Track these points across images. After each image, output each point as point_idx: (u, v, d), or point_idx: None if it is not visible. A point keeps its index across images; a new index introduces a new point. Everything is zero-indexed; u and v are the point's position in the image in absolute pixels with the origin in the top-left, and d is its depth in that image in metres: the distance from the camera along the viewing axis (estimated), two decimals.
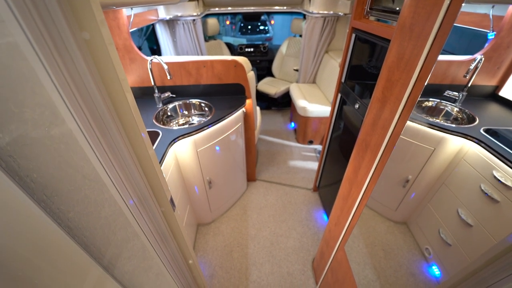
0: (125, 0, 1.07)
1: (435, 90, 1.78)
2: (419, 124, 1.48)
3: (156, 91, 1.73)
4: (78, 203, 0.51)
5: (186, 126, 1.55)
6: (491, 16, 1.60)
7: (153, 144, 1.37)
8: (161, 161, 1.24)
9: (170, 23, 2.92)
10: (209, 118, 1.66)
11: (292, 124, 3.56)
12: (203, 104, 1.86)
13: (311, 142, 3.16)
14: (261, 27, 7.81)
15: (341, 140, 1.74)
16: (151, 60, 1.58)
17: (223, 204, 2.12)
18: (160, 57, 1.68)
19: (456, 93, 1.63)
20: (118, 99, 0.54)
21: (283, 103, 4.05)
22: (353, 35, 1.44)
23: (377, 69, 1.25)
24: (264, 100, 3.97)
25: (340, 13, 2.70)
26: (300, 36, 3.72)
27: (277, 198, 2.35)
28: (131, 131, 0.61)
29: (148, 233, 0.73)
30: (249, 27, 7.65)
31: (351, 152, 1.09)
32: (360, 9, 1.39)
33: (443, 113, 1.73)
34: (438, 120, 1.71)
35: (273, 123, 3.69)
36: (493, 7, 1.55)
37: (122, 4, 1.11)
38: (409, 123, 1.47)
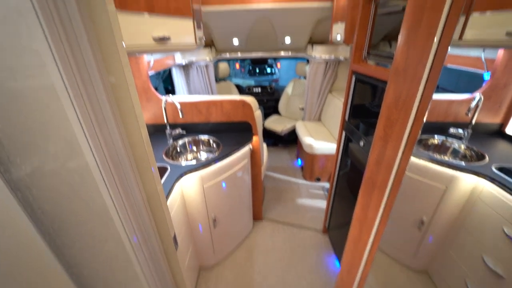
0: (147, 48, 1.21)
1: (439, 128, 1.80)
2: (427, 161, 1.47)
3: (168, 128, 1.82)
4: (83, 236, 0.52)
5: (194, 162, 1.59)
6: (483, 59, 1.70)
7: (161, 179, 1.39)
8: (167, 196, 1.25)
9: (185, 67, 3.20)
10: (216, 154, 1.70)
11: (299, 161, 3.56)
12: (211, 141, 1.92)
13: (318, 179, 3.11)
14: (268, 70, 8.42)
15: (348, 178, 1.71)
16: (166, 99, 1.71)
17: (227, 245, 2.02)
18: (174, 96, 1.82)
19: (461, 131, 1.65)
20: (134, 134, 0.58)
21: (290, 140, 4.12)
22: (353, 77, 1.54)
23: (377, 108, 1.30)
24: (271, 137, 4.06)
25: (341, 58, 2.92)
26: (305, 78, 3.97)
27: (285, 240, 2.22)
28: (142, 166, 0.63)
29: (148, 275, 0.70)
30: (257, 69, 8.26)
31: (359, 188, 1.07)
32: (358, 54, 1.51)
33: (450, 150, 1.72)
34: (446, 158, 1.69)
35: (280, 160, 3.70)
36: (483, 50, 1.66)
37: (145, 51, 1.26)
38: (416, 160, 1.46)
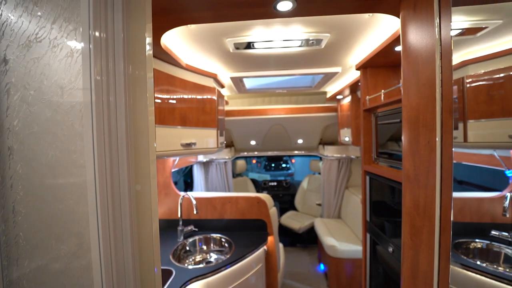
0: (175, 153, 1.38)
1: (477, 229, 1.59)
2: (480, 275, 1.21)
3: (181, 224, 1.78)
4: None
5: (202, 265, 1.44)
6: (497, 157, 1.70)
7: (163, 285, 1.23)
8: None
9: (205, 164, 3.48)
10: (227, 256, 1.56)
11: (322, 265, 3.09)
12: (223, 240, 1.80)
13: None
14: (283, 165, 8.83)
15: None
16: (183, 196, 1.77)
17: None
18: (191, 193, 1.88)
19: (506, 233, 1.43)
20: (146, 243, 0.58)
21: (309, 239, 3.73)
22: (367, 177, 1.56)
23: (398, 205, 1.23)
24: (288, 235, 3.74)
25: (352, 156, 3.07)
26: (319, 173, 4.06)
27: None
28: (146, 267, 0.59)
29: None
30: (273, 165, 8.70)
31: None
32: (368, 156, 1.59)
33: (502, 258, 1.44)
34: (502, 270, 1.39)
35: (299, 264, 3.24)
36: (495, 150, 1.69)
37: (173, 155, 1.43)
38: (469, 274, 1.22)
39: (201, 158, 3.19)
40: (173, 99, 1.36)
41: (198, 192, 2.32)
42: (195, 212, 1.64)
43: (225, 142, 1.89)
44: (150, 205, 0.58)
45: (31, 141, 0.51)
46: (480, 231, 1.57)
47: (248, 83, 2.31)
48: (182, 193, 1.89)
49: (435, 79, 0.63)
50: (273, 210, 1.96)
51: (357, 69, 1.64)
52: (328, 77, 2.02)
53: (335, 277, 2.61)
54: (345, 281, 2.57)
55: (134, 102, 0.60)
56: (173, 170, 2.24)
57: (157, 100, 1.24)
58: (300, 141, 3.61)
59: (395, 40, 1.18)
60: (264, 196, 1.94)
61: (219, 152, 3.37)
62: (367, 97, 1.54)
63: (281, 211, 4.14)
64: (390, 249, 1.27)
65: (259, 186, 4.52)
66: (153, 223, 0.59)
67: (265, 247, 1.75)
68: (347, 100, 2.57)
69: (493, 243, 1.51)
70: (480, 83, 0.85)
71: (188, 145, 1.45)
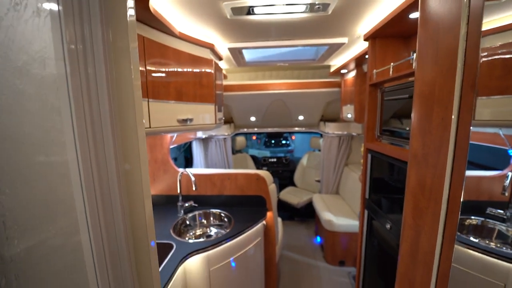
0: (171, 129, 1.33)
1: (474, 207, 1.60)
2: (473, 250, 1.24)
3: (180, 199, 1.80)
4: None
5: (202, 239, 1.47)
6: (502, 136, 1.65)
7: (164, 259, 1.27)
8: (167, 282, 1.10)
9: (205, 140, 3.44)
10: (227, 231, 1.59)
11: (318, 238, 3.21)
12: (223, 215, 1.83)
13: (342, 263, 2.70)
14: (283, 141, 8.82)
15: (379, 263, 1.46)
16: (182, 172, 1.75)
17: None
18: (190, 169, 1.87)
19: (502, 211, 1.44)
20: (139, 225, 0.56)
21: (307, 213, 3.85)
22: (369, 155, 1.53)
23: (399, 183, 1.21)
24: (287, 210, 3.84)
25: (353, 133, 3.02)
26: (319, 150, 4.05)
27: None
28: (140, 243, 0.58)
29: None
30: (273, 141, 8.69)
31: (393, 280, 0.89)
32: (371, 133, 1.54)
33: (495, 234, 1.47)
34: (493, 244, 1.43)
35: (296, 237, 3.37)
36: (500, 129, 1.64)
37: (169, 131, 1.38)
38: (461, 249, 1.24)
39: (200, 134, 3.14)
40: (166, 71, 1.27)
41: (197, 169, 2.31)
42: (194, 188, 1.64)
43: (223, 118, 1.82)
44: (141, 184, 0.54)
45: (3, 117, 0.46)
46: (477, 209, 1.58)
47: (248, 55, 2.17)
48: (181, 170, 1.88)
49: (457, 49, 0.56)
50: (272, 187, 1.96)
51: (366, 39, 1.52)
52: (333, 49, 1.89)
53: (330, 249, 2.73)
54: (340, 253, 2.68)
55: (118, 75, 0.54)
56: (172, 147, 2.21)
57: (150, 73, 1.15)
58: (301, 117, 3.53)
59: (410, 6, 1.06)
60: (263, 172, 1.93)
61: (218, 128, 3.31)
62: (375, 70, 1.45)
63: (281, 187, 4.20)
64: (388, 226, 1.28)
65: (259, 162, 4.54)
66: (146, 200, 0.56)
67: (264, 221, 1.79)
68: (351, 75, 2.45)
69: (488, 220, 1.53)
70: (496, 56, 0.78)
71: (185, 121, 1.39)
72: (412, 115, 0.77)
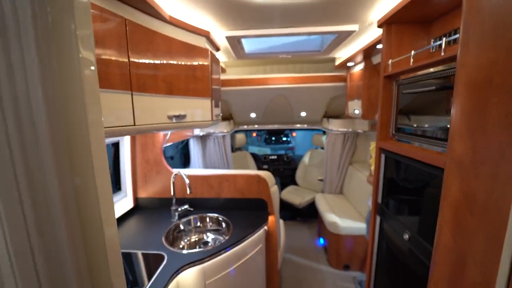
0: (161, 127, 1.18)
1: None
2: None
3: (174, 203, 1.65)
4: None
5: (198, 250, 1.33)
6: None
7: (154, 272, 1.13)
8: None
9: (203, 138, 3.28)
10: (226, 238, 1.45)
11: (321, 240, 3.08)
12: (220, 219, 1.69)
13: (347, 267, 2.57)
14: (284, 138, 8.67)
15: (393, 275, 1.33)
16: (175, 174, 1.60)
17: None
18: (184, 170, 1.72)
19: None
20: (95, 242, 0.41)
21: (309, 213, 3.71)
22: (382, 155, 1.37)
23: (420, 191, 1.07)
24: (288, 210, 3.70)
25: (359, 131, 2.86)
26: (322, 148, 3.89)
27: None
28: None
29: None
30: (273, 138, 8.53)
31: None
32: (384, 131, 1.39)
33: None
34: None
35: (298, 238, 3.24)
36: None
37: (158, 129, 1.23)
38: None
39: (197, 132, 2.98)
40: (154, 60, 1.11)
41: (193, 170, 2.16)
42: (188, 192, 1.50)
43: (221, 115, 1.67)
44: (99, 206, 0.39)
45: None
46: None
47: (248, 46, 2.01)
48: (175, 171, 1.73)
49: None
50: (274, 189, 1.82)
51: (379, 25, 1.35)
52: (342, 38, 1.72)
53: (334, 252, 2.60)
54: (345, 257, 2.55)
55: (60, 65, 0.38)
56: (167, 145, 2.06)
57: (134, 62, 0.99)
58: (303, 113, 3.37)
59: None
60: (265, 173, 1.78)
61: (215, 125, 3.15)
62: (390, 60, 1.29)
63: (282, 186, 4.06)
64: (406, 236, 1.13)
65: (259, 160, 4.39)
66: (107, 229, 0.41)
67: (265, 227, 1.64)
68: (359, 68, 2.28)
69: None
70: None
71: (177, 117, 1.24)
72: (453, 110, 0.61)
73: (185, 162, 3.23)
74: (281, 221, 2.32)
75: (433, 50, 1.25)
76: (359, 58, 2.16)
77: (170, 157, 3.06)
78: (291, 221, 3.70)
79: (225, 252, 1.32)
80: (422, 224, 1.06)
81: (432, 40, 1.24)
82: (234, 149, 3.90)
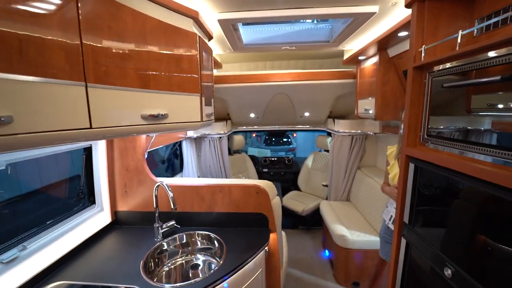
0: (128, 130, 0.91)
1: None
2: None
3: (158, 220, 1.39)
4: None
5: (184, 284, 1.07)
6: None
7: None
8: None
9: (197, 140, 3.02)
10: (219, 261, 1.19)
11: (327, 252, 2.82)
12: (212, 236, 1.43)
13: (356, 285, 2.31)
14: (285, 139, 8.41)
15: None
16: (157, 185, 1.34)
17: None
18: (170, 180, 1.46)
19: None
20: None
21: (313, 221, 3.44)
22: (411, 165, 1.11)
23: (469, 213, 0.80)
24: (290, 217, 3.43)
25: (369, 132, 2.59)
26: (326, 151, 3.63)
27: None
28: None
29: None
30: (274, 139, 8.28)
31: None
32: (412, 135, 1.13)
33: None
34: None
35: (301, 249, 2.98)
36: None
37: (128, 133, 0.97)
38: None
39: (191, 133, 2.72)
40: (121, 42, 0.84)
41: (181, 179, 1.89)
42: (172, 207, 1.24)
43: (213, 114, 1.41)
44: None
45: None
46: None
47: (246, 36, 1.75)
48: (159, 180, 1.48)
49: None
50: (276, 201, 1.56)
51: (408, 4, 1.09)
52: (356, 24, 1.46)
53: (342, 268, 2.34)
54: (354, 273, 2.29)
55: None
56: (152, 150, 1.80)
57: (88, 42, 0.73)
58: (306, 113, 3.11)
59: None
60: (265, 183, 1.52)
61: (208, 126, 2.86)
62: (424, 46, 1.02)
63: (283, 191, 3.77)
64: (448, 272, 0.87)
65: (259, 163, 4.13)
66: None
67: (266, 248, 1.38)
68: (371, 62, 2.02)
69: None
70: None
71: (155, 117, 0.98)
72: None
73: (180, 166, 2.96)
74: (283, 235, 2.06)
75: (477, 34, 1.00)
76: (373, 50, 1.90)
77: (162, 161, 2.79)
78: (292, 230, 3.44)
79: (216, 285, 1.06)
80: (475, 259, 0.80)
81: (477, 21, 0.99)
82: (231, 152, 3.63)
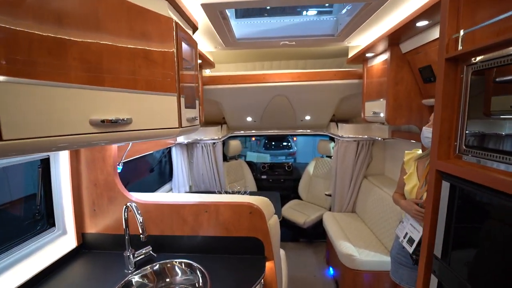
0: (79, 140, 0.68)
1: None
2: None
3: (129, 247, 1.14)
4: None
5: None
6: None
7: None
8: None
9: (189, 146, 2.79)
10: None
11: (331, 270, 2.55)
12: (194, 265, 1.18)
13: None
14: (284, 143, 8.17)
15: None
16: (126, 207, 1.10)
17: None
18: (145, 196, 1.22)
19: None
20: None
21: (315, 233, 3.16)
22: (444, 184, 0.87)
23: None
24: (290, 228, 3.16)
25: (377, 138, 2.35)
26: (328, 157, 3.39)
27: None
28: None
29: None
30: (273, 143, 8.05)
31: None
32: (444, 146, 0.89)
33: None
34: None
35: (303, 266, 2.71)
36: None
37: (76, 145, 0.73)
38: None
39: (181, 139, 2.48)
40: (57, 25, 0.61)
41: (159, 195, 1.61)
42: (141, 235, 1.00)
43: (197, 118, 1.17)
44: None
45: None
46: None
47: (239, 28, 1.52)
48: (134, 197, 1.24)
49: None
50: (273, 221, 1.31)
51: None
52: (365, 15, 1.24)
53: None
54: None
55: None
56: (127, 160, 1.56)
57: (4, 17, 0.50)
58: (307, 117, 2.88)
59: None
60: (260, 201, 1.27)
61: (205, 129, 2.64)
62: (462, 31, 0.79)
63: (283, 200, 3.50)
64: None
65: (257, 169, 3.89)
66: None
67: (262, 281, 1.13)
68: (381, 59, 1.80)
69: None
70: None
71: (113, 123, 0.74)
72: None
73: (170, 174, 2.70)
74: (282, 254, 1.81)
75: None
76: (382, 46, 1.68)
77: (151, 169, 2.55)
78: (293, 243, 3.18)
79: None
80: None
81: None
82: (228, 158, 3.39)
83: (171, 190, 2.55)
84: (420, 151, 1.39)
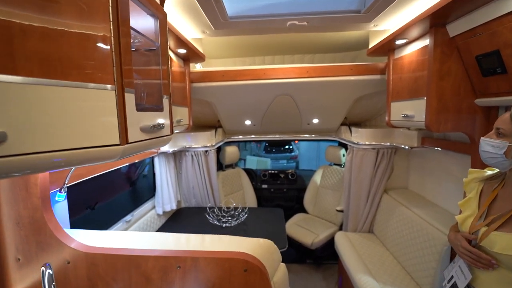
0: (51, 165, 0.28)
1: None
2: None
3: None
4: None
5: None
6: None
7: None
8: None
9: (177, 155, 2.38)
10: None
11: None
12: None
13: None
14: (286, 146, 7.77)
15: None
16: (43, 269, 0.69)
17: None
18: (97, 235, 0.82)
19: None
20: None
21: (325, 255, 2.72)
22: None
23: None
24: (294, 248, 2.74)
25: (403, 146, 1.93)
26: (338, 165, 2.98)
27: None
28: None
29: None
30: (274, 146, 7.66)
31: None
32: None
33: None
34: None
35: None
36: None
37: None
38: None
39: (166, 147, 2.07)
40: None
41: (111, 234, 1.11)
42: None
43: (163, 126, 0.76)
44: None
45: None
46: None
47: (231, 2, 1.12)
48: (75, 240, 0.83)
49: None
50: (280, 274, 0.90)
51: None
52: None
53: None
54: None
55: None
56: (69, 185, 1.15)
57: None
58: (315, 120, 2.48)
59: None
60: (261, 249, 0.86)
61: (196, 135, 2.19)
62: None
63: (286, 213, 3.07)
64: None
65: (257, 178, 3.48)
66: None
67: None
68: (418, 46, 1.39)
69: None
70: None
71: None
72: None
73: (153, 189, 2.27)
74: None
75: None
76: (421, 28, 1.27)
77: (131, 183, 2.14)
78: (298, 265, 2.75)
79: None
80: None
81: None
82: (223, 167, 2.98)
83: (153, 208, 2.15)
84: (489, 172, 0.98)
